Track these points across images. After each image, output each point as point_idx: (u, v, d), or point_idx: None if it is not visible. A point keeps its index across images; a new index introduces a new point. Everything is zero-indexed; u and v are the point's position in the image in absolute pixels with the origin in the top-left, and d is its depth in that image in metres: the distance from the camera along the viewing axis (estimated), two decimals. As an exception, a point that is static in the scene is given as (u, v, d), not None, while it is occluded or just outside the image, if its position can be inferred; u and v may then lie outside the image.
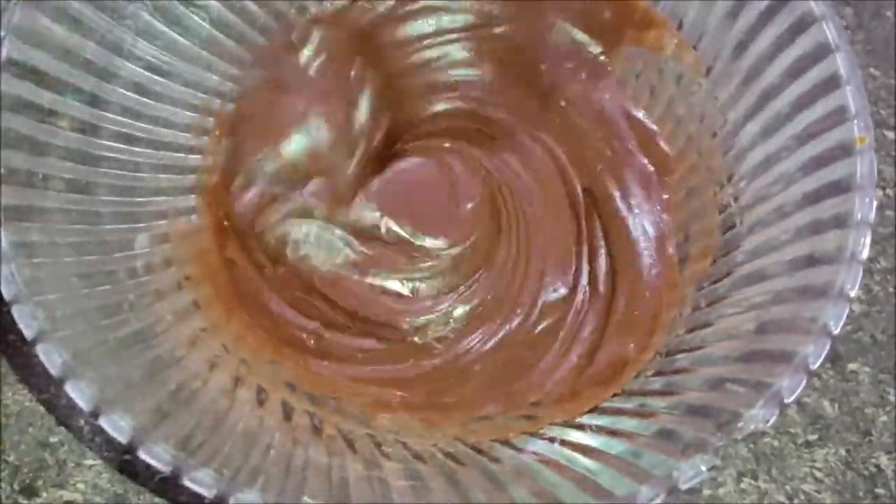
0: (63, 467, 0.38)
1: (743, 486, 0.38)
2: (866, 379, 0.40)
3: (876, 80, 0.45)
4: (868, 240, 0.31)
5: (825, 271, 0.31)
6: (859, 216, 0.31)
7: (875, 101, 0.45)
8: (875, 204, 0.31)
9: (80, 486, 0.37)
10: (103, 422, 0.27)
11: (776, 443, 0.39)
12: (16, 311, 0.28)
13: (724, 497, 0.38)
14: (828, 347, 0.29)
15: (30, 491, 0.37)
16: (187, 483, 0.27)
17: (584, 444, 0.31)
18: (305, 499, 0.27)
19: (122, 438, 0.27)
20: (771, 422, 0.28)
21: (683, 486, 0.27)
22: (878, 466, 0.39)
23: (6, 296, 0.29)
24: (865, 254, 0.31)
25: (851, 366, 0.40)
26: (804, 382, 0.28)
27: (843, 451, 0.39)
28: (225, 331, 0.35)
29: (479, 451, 0.32)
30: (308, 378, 0.36)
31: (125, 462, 0.37)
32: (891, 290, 0.42)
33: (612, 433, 0.31)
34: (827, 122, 0.33)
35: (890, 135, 0.44)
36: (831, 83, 0.33)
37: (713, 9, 0.37)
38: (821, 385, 0.40)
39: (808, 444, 0.39)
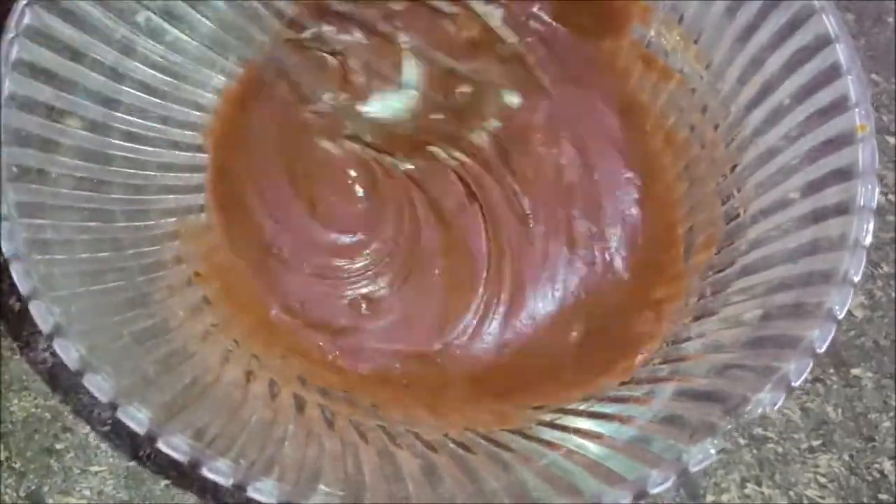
0: (69, 474, 0.38)
1: (747, 491, 0.38)
2: (869, 384, 0.40)
3: (878, 85, 0.46)
4: (871, 225, 0.31)
5: (829, 257, 0.31)
6: (862, 202, 0.31)
7: (877, 106, 0.45)
8: (877, 191, 0.32)
9: (86, 492, 0.37)
10: (121, 414, 0.28)
11: (780, 448, 0.39)
12: (32, 307, 0.29)
13: (727, 503, 0.38)
14: (833, 332, 0.30)
15: (35, 497, 0.37)
16: (206, 473, 0.27)
17: (594, 431, 0.31)
18: (321, 487, 0.28)
19: (140, 430, 0.27)
20: (778, 405, 0.28)
21: (693, 469, 0.28)
22: (881, 472, 0.39)
23: (23, 291, 0.29)
24: (869, 239, 0.31)
25: (854, 371, 0.41)
26: (810, 366, 0.29)
27: (846, 457, 0.39)
28: (236, 326, 0.36)
29: (491, 441, 0.32)
30: (318, 373, 0.36)
31: (131, 468, 0.38)
32: (893, 295, 0.42)
33: (622, 420, 0.31)
34: (828, 111, 0.33)
35: (891, 140, 0.45)
36: (832, 73, 0.34)
37: (713, 3, 0.37)
38: (824, 390, 0.40)
39: (811, 449, 0.39)
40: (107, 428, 0.38)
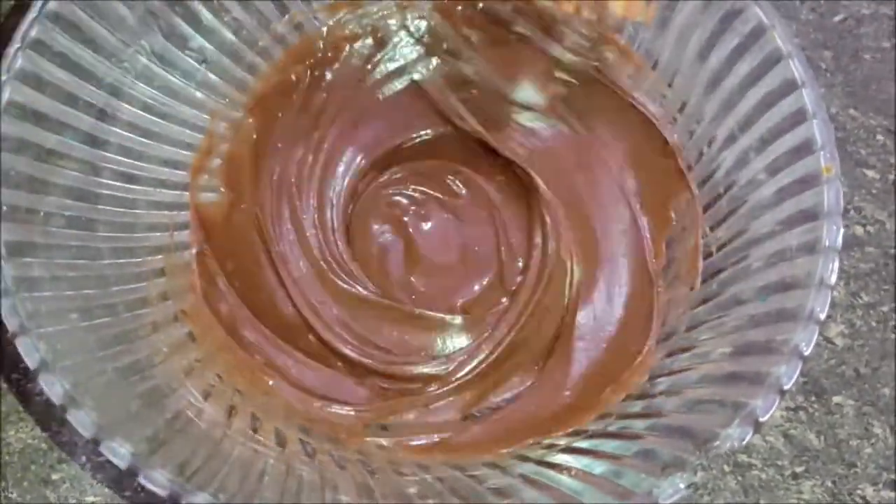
0: (65, 505, 0.38)
1: (731, 518, 0.39)
2: (851, 412, 0.41)
3: (855, 120, 0.47)
4: (836, 265, 0.32)
5: (796, 296, 0.32)
6: (827, 242, 0.32)
7: (855, 141, 0.46)
8: (842, 231, 0.33)
9: (82, 522, 0.38)
10: (103, 448, 0.28)
11: (764, 475, 0.40)
12: (19, 344, 0.29)
13: (713, 529, 0.39)
14: (800, 368, 0.30)
15: (32, 528, 0.38)
16: (185, 507, 0.27)
17: (568, 465, 0.32)
18: (300, 521, 0.28)
19: (122, 464, 0.28)
20: (746, 440, 0.29)
21: (664, 503, 0.28)
22: (863, 497, 0.40)
23: (10, 328, 0.30)
24: (834, 278, 0.32)
25: (836, 399, 0.41)
26: (777, 402, 0.30)
27: (829, 483, 0.40)
28: (219, 362, 0.36)
29: (468, 475, 0.33)
30: (299, 412, 0.37)
31: (127, 498, 0.38)
32: (873, 324, 0.43)
33: (595, 454, 0.32)
34: (795, 153, 0.34)
35: (870, 173, 0.46)
36: (798, 117, 0.35)
37: (686, 49, 0.39)
38: (807, 418, 0.41)
39: (795, 475, 0.40)
40: (102, 458, 0.38)
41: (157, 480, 0.28)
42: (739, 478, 0.40)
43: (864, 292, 0.43)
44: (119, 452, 0.28)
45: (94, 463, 0.39)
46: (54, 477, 0.39)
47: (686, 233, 0.39)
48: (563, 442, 0.35)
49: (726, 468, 0.39)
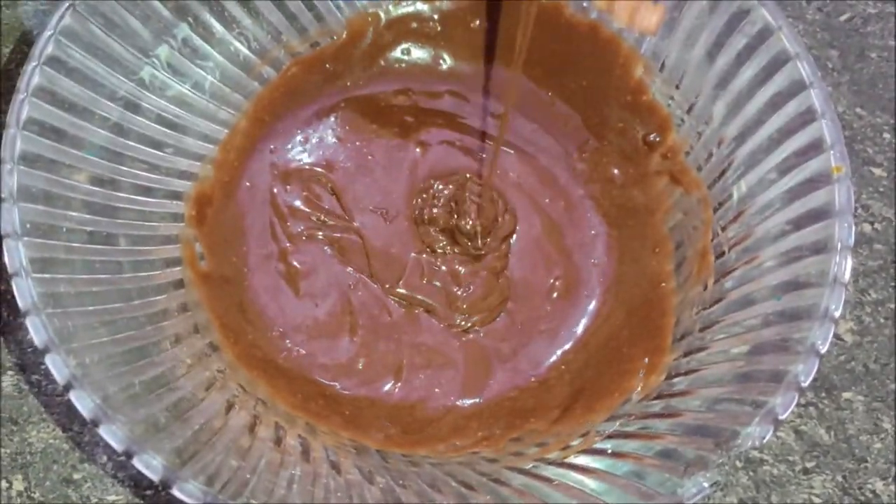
0: None
1: (744, 512, 0.39)
2: (860, 407, 0.42)
3: (862, 119, 0.47)
4: (849, 262, 0.32)
5: (810, 294, 0.33)
6: (839, 241, 0.33)
7: (862, 139, 0.47)
8: (854, 229, 0.33)
9: (104, 522, 0.38)
10: (137, 462, 0.29)
11: (775, 470, 0.40)
12: (48, 360, 0.30)
13: (726, 524, 0.39)
14: (817, 366, 0.31)
15: (55, 528, 0.38)
16: (220, 518, 0.28)
17: (591, 467, 0.32)
18: (331, 527, 0.28)
19: (155, 477, 0.28)
20: (767, 438, 0.30)
21: (688, 503, 0.29)
22: (873, 492, 0.40)
23: (38, 344, 0.30)
24: (847, 276, 0.32)
25: (846, 395, 0.42)
26: (796, 399, 0.30)
27: (839, 478, 0.40)
28: (241, 372, 0.37)
29: (492, 479, 0.33)
30: (322, 416, 0.37)
31: (147, 497, 0.38)
32: (882, 320, 0.43)
33: (618, 455, 0.32)
34: (805, 153, 0.35)
35: (877, 171, 0.46)
36: (807, 117, 0.35)
37: (693, 50, 0.39)
38: (817, 414, 0.41)
39: (805, 471, 0.40)
40: (122, 458, 0.39)
41: (190, 492, 0.28)
42: (751, 473, 0.40)
43: (873, 289, 0.44)
44: (152, 465, 0.29)
45: (116, 462, 0.39)
46: (76, 476, 0.39)
47: (696, 233, 0.39)
48: (581, 443, 0.35)
49: (738, 464, 0.40)
